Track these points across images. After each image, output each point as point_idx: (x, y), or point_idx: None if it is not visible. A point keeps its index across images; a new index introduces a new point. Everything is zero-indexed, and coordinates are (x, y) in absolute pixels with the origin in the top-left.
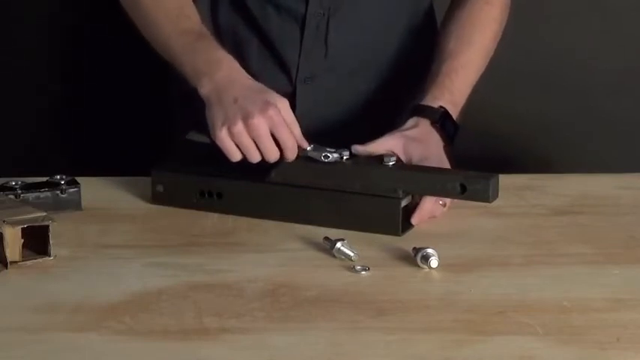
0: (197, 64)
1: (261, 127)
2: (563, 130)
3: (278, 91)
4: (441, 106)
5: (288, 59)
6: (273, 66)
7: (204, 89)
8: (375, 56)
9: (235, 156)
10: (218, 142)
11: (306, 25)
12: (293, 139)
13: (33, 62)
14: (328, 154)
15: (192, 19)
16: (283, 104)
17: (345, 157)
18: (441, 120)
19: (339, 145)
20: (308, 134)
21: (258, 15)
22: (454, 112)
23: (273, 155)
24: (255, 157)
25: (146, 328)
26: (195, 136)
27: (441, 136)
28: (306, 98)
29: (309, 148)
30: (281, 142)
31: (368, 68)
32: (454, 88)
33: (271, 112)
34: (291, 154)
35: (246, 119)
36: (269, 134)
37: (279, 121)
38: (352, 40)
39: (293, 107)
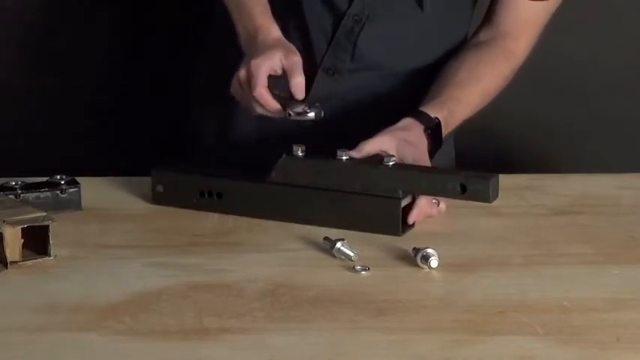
0: (248, 28)
1: (242, 77)
2: (563, 130)
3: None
4: (436, 117)
5: (316, 47)
6: (302, 48)
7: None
8: (399, 69)
9: (247, 104)
10: (234, 94)
11: (341, 24)
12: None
13: (32, 63)
14: (308, 110)
15: None
16: (256, 62)
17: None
18: (432, 129)
19: (342, 139)
20: (316, 122)
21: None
22: (444, 132)
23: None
24: (250, 106)
25: (146, 328)
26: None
27: (428, 144)
28: (324, 86)
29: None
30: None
31: (390, 78)
32: (452, 111)
33: (253, 63)
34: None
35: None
36: (266, 72)
37: (256, 69)
38: (380, 53)
39: (309, 91)
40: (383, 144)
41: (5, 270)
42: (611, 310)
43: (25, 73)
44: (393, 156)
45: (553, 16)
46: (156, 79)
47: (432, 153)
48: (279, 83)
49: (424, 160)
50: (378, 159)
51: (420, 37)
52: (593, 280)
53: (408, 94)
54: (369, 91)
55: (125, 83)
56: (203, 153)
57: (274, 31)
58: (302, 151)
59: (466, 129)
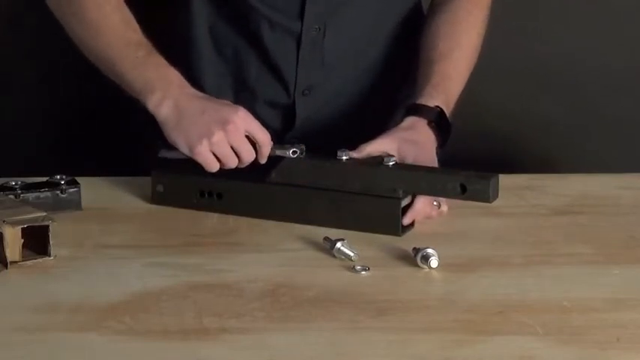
0: (149, 79)
1: (239, 128)
2: (563, 130)
3: (277, 103)
4: (437, 106)
5: (285, 73)
6: (271, 79)
7: (162, 108)
8: (369, 59)
9: (214, 167)
10: (197, 157)
11: (302, 40)
12: (267, 133)
13: (32, 62)
14: (296, 150)
15: (138, 32)
16: (245, 110)
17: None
18: (437, 120)
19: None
20: (307, 141)
21: (255, 30)
22: (448, 114)
23: (250, 156)
24: (234, 163)
25: (146, 328)
26: (168, 154)
27: (436, 137)
28: (305, 108)
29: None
30: (258, 138)
31: (363, 72)
32: (448, 90)
33: (241, 113)
34: (266, 150)
35: (224, 125)
36: (244, 135)
37: (252, 119)
38: (347, 49)
39: (293, 117)
40: (383, 145)
41: (5, 270)
42: (611, 310)
43: (25, 72)
44: (393, 156)
45: (553, 16)
46: None
47: (443, 142)
48: None
49: (427, 158)
50: (378, 159)
51: (379, 12)
52: (593, 280)
53: (384, 86)
54: (347, 97)
55: None
56: None
57: (189, 85)
58: (302, 152)
59: (466, 129)
